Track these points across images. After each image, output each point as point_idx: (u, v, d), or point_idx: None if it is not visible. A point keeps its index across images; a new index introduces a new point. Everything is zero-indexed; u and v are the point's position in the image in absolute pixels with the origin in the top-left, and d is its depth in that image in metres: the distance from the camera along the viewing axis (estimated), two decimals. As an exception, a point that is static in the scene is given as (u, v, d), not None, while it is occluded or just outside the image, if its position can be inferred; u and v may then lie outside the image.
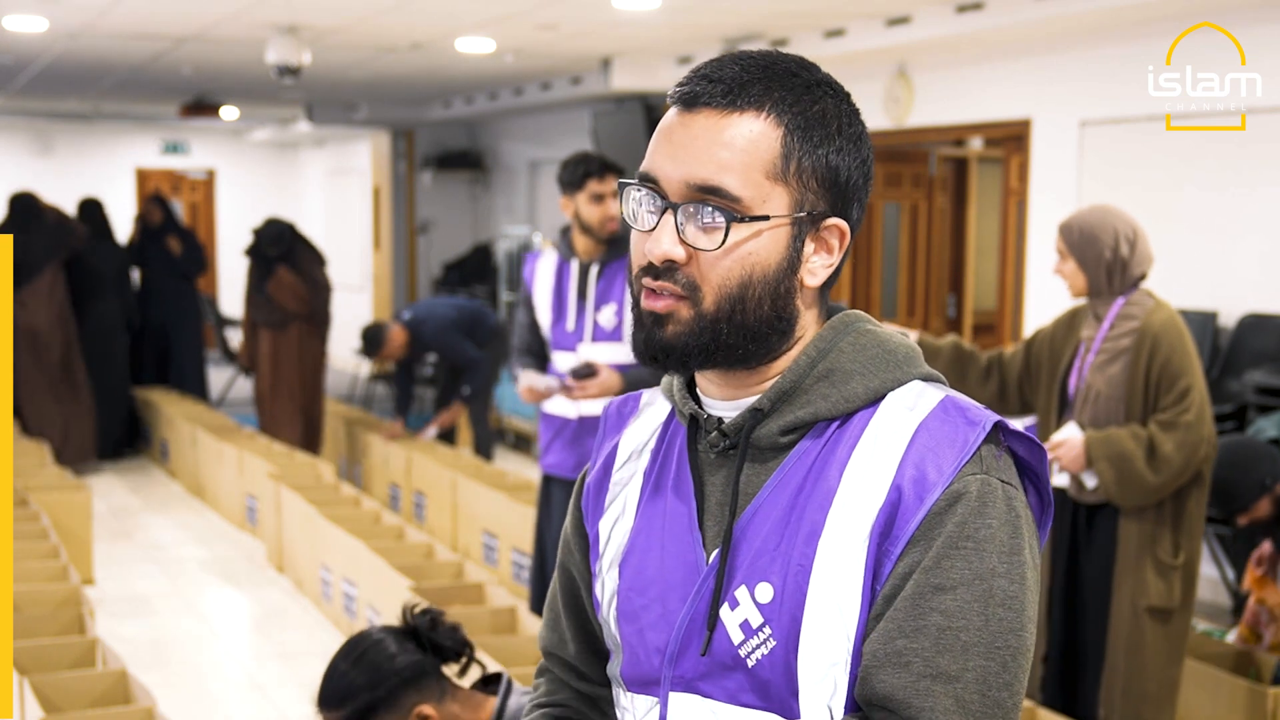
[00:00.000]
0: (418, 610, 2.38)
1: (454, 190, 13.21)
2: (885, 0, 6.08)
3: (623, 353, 4.12)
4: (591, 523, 1.42)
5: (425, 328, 7.58)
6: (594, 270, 4.22)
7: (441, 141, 12.95)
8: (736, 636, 1.25)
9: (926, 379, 1.29)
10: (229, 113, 12.14)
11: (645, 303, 1.27)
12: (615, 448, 1.42)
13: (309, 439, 8.19)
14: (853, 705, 1.22)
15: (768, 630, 1.23)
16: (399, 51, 8.10)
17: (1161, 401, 3.46)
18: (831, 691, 1.22)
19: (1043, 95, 6.39)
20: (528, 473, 7.91)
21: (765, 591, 1.23)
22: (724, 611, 1.25)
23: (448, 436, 7.99)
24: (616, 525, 1.38)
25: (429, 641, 2.34)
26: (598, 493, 1.42)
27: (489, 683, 2.41)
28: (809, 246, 1.27)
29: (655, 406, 1.42)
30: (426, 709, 2.29)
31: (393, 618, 4.64)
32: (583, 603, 1.45)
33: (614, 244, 4.23)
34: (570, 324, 4.27)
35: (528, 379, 4.27)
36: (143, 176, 15.29)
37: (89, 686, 3.58)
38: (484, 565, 6.04)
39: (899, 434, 1.23)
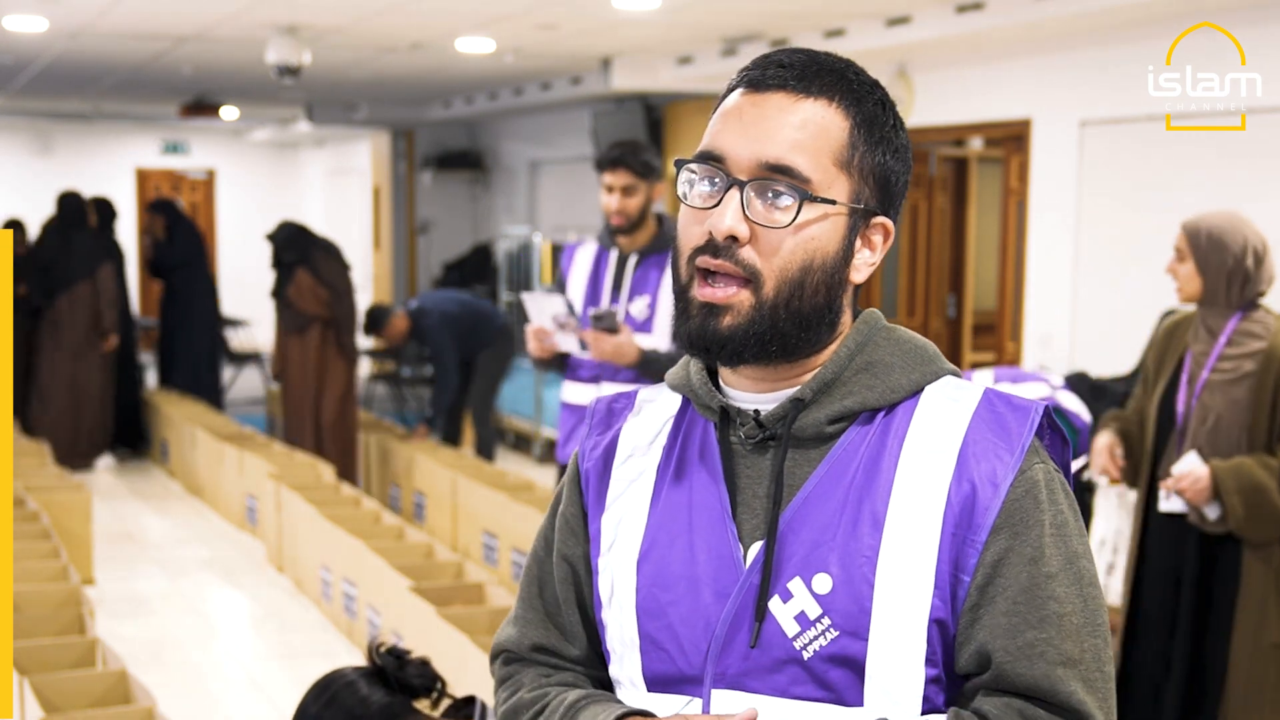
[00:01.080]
0: (383, 649, 2.34)
1: (454, 190, 13.21)
2: (885, 0, 6.08)
3: (649, 344, 4.13)
4: (594, 517, 1.39)
5: (426, 320, 7.60)
6: (632, 260, 4.23)
7: (441, 141, 12.95)
8: (791, 629, 1.24)
9: (954, 374, 1.33)
10: (229, 113, 12.14)
11: (701, 292, 1.26)
12: (615, 442, 1.40)
13: (338, 458, 7.51)
14: (942, 686, 1.25)
15: (827, 621, 1.23)
16: (399, 51, 8.10)
17: None
18: (900, 675, 1.22)
19: (1043, 95, 6.39)
20: (528, 473, 7.91)
21: (823, 582, 1.23)
22: (775, 604, 1.24)
23: (452, 438, 7.98)
24: (624, 521, 1.35)
25: (397, 681, 2.31)
26: (598, 488, 1.39)
27: (462, 707, 2.39)
28: (858, 242, 1.29)
29: (657, 403, 1.40)
30: None
31: (393, 618, 4.65)
32: (586, 597, 1.40)
33: (657, 239, 4.23)
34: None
35: (535, 309, 4.19)
36: (143, 176, 15.29)
37: (89, 686, 3.58)
38: (484, 565, 6.04)
39: (952, 425, 1.26)
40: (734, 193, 1.24)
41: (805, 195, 1.23)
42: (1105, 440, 3.55)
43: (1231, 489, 3.24)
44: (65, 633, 4.15)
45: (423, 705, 2.34)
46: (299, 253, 7.52)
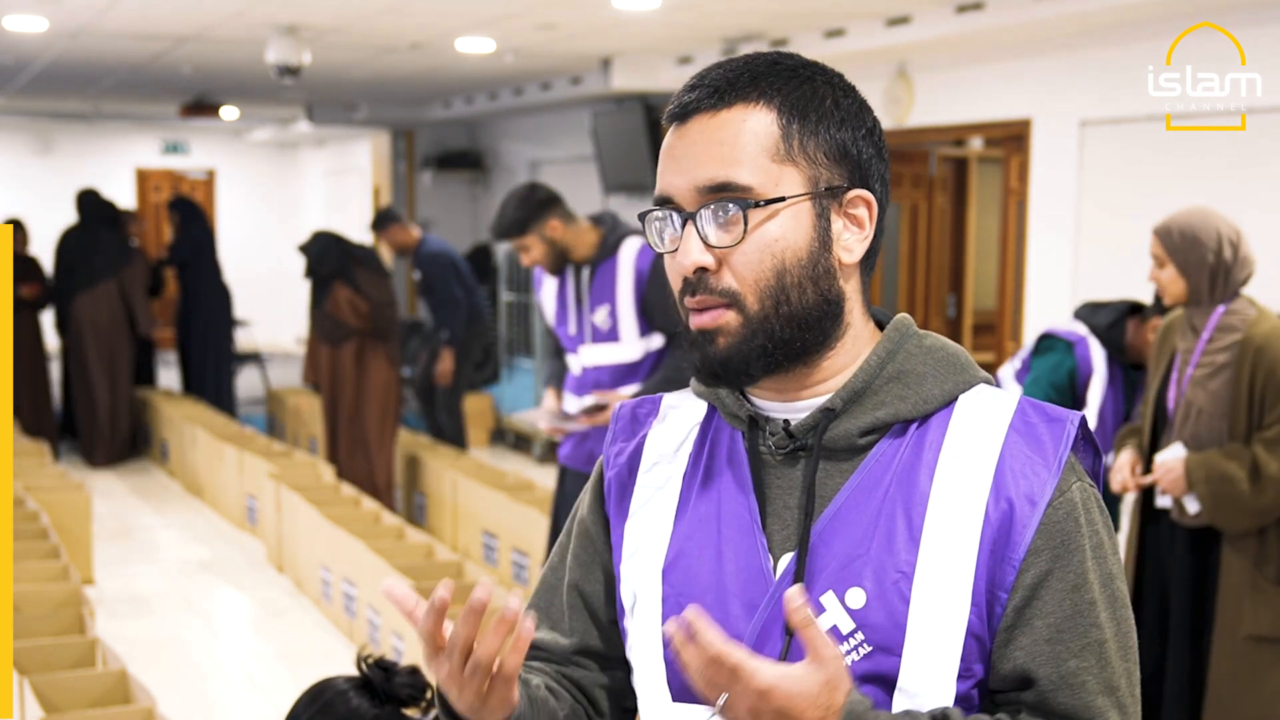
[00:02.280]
0: (371, 660, 2.35)
1: (454, 190, 13.20)
2: (885, 0, 6.08)
3: (619, 353, 4.18)
4: (615, 526, 1.38)
5: (424, 247, 7.58)
6: (585, 272, 4.28)
7: (441, 141, 12.95)
8: None
9: (987, 382, 1.31)
10: (229, 113, 12.13)
11: (694, 321, 1.26)
12: (640, 449, 1.39)
13: (371, 478, 7.14)
14: (970, 703, 1.23)
15: (860, 636, 1.22)
16: (399, 51, 8.10)
17: (1266, 418, 3.24)
18: (931, 690, 1.21)
19: (1043, 95, 6.39)
20: (528, 473, 7.91)
21: (857, 597, 1.22)
22: None
23: (456, 439, 7.97)
24: (650, 529, 1.34)
25: (384, 693, 2.32)
26: (621, 495, 1.38)
27: None
28: (837, 223, 1.26)
29: (682, 410, 1.40)
30: None
31: (393, 618, 4.65)
32: (593, 599, 1.41)
33: (602, 244, 4.27)
34: (572, 327, 4.33)
35: (544, 415, 4.46)
36: (143, 176, 15.29)
37: (89, 686, 3.58)
38: (484, 565, 6.04)
39: (987, 438, 1.24)
40: (689, 227, 1.24)
41: (746, 204, 1.22)
42: (1126, 458, 3.56)
43: (1200, 479, 3.27)
44: (65, 633, 4.15)
45: (413, 712, 2.36)
46: (335, 266, 7.10)
